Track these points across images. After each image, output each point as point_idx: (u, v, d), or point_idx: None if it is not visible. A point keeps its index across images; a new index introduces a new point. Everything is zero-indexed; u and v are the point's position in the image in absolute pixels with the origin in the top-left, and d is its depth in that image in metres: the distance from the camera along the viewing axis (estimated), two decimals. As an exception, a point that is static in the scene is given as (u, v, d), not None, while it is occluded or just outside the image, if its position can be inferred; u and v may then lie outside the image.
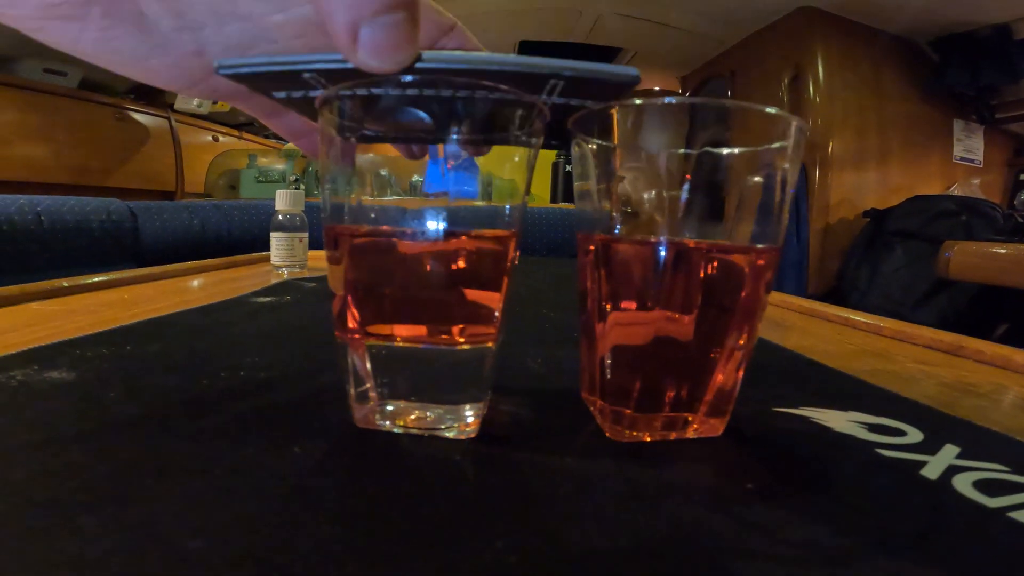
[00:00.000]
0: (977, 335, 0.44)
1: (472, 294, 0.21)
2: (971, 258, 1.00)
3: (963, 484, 0.19)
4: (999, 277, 0.96)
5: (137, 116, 2.41)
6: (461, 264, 0.20)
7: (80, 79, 2.19)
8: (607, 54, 2.81)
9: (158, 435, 0.19)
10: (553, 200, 2.53)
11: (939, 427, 0.24)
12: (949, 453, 0.21)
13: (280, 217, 0.73)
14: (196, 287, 0.58)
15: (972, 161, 2.33)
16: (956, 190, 2.21)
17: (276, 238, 0.73)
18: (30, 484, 0.15)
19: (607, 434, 0.21)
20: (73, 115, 2.14)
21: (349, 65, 0.17)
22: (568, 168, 2.47)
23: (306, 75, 0.19)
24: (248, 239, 1.18)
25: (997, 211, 1.71)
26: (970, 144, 2.33)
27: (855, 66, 2.17)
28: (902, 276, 1.79)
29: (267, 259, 0.76)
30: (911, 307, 1.70)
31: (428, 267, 0.20)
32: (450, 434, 0.20)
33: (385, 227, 0.20)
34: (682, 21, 2.41)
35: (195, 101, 2.42)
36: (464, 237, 0.20)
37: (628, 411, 0.21)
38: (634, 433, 0.21)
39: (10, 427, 0.19)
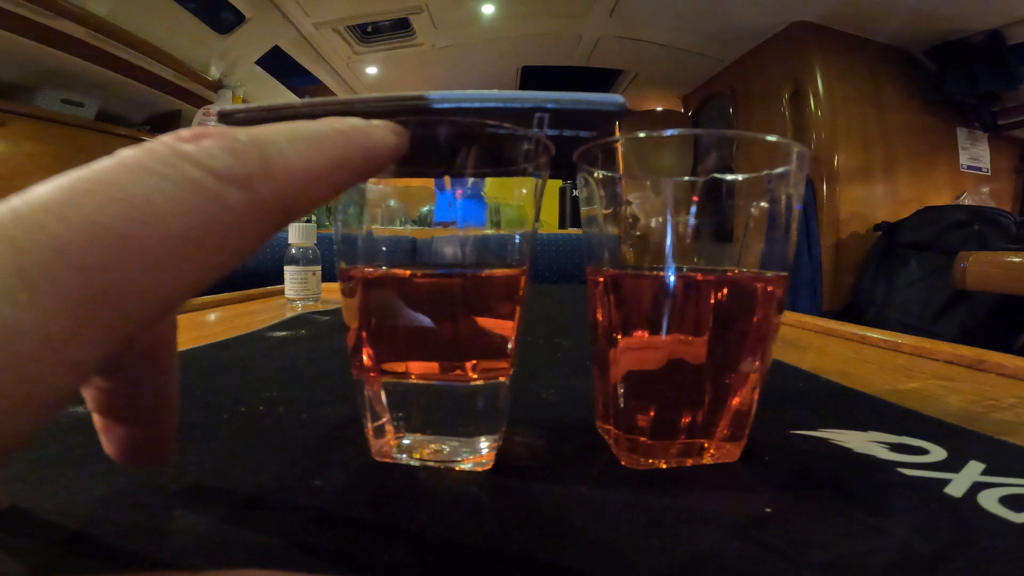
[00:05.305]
0: (999, 345, 0.44)
1: (485, 330, 0.21)
2: (987, 268, 0.99)
3: (989, 500, 0.18)
4: (1016, 286, 0.94)
5: (152, 147, 2.46)
6: (473, 300, 0.20)
7: (97, 110, 2.20)
8: (608, 77, 2.86)
9: (179, 468, 0.20)
10: (561, 226, 2.54)
11: (963, 444, 0.24)
12: (974, 470, 0.21)
13: (293, 250, 0.74)
14: (213, 321, 0.59)
15: (979, 169, 2.32)
16: (966, 199, 2.20)
17: (290, 271, 0.74)
18: (53, 512, 0.16)
19: (623, 462, 0.21)
20: (90, 146, 2.12)
21: (345, 111, 0.18)
22: (576, 193, 2.49)
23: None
24: (261, 271, 1.19)
25: (1009, 219, 1.69)
26: (975, 152, 2.32)
27: (854, 78, 2.19)
28: (919, 289, 1.77)
29: (281, 292, 0.77)
30: (930, 320, 1.67)
31: (440, 304, 0.20)
32: (466, 466, 0.20)
33: (396, 269, 0.21)
34: (680, 41, 2.45)
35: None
36: (475, 273, 0.20)
37: (643, 439, 0.21)
38: (650, 461, 0.21)
39: (36, 458, 0.20)
